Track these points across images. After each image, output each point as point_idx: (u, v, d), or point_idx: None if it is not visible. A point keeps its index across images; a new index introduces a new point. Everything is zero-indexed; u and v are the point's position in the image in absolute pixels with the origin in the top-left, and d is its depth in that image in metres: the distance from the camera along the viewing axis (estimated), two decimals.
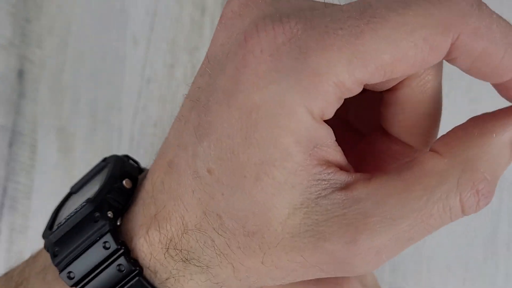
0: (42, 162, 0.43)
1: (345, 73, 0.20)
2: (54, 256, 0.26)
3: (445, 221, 0.22)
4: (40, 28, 0.44)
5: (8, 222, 0.43)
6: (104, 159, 0.29)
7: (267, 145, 0.21)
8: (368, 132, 0.27)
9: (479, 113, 0.41)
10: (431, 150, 0.22)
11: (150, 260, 0.25)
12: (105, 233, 0.25)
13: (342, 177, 0.22)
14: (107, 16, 0.44)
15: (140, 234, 0.25)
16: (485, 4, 0.21)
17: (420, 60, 0.20)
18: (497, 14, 0.21)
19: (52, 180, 0.43)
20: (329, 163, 0.21)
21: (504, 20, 0.21)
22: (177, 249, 0.24)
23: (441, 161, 0.21)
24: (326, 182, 0.21)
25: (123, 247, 0.25)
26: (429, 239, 0.41)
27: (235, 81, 0.21)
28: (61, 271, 0.25)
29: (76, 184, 0.30)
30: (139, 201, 0.26)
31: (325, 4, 0.22)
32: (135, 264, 0.25)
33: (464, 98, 0.42)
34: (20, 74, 0.44)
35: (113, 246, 0.25)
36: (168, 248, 0.24)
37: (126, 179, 0.27)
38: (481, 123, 0.22)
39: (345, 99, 0.21)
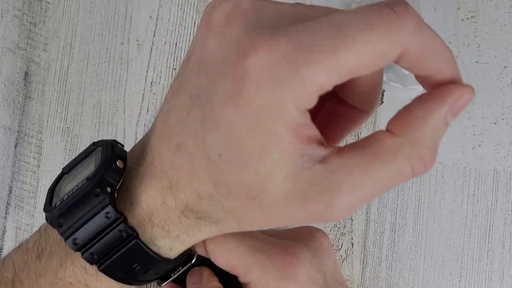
0: (47, 163, 0.43)
1: (325, 80, 0.26)
2: (59, 226, 0.30)
3: (399, 183, 0.28)
4: (46, 31, 0.44)
5: (14, 221, 0.44)
6: (94, 143, 0.33)
7: (267, 135, 0.27)
8: (328, 98, 0.33)
9: (474, 114, 0.41)
10: (387, 130, 0.28)
11: (165, 222, 0.30)
12: (107, 205, 0.29)
13: (320, 151, 0.27)
14: (112, 20, 0.44)
15: (157, 203, 0.29)
16: (425, 23, 0.27)
17: (377, 66, 0.26)
18: (431, 30, 0.27)
19: None
20: (309, 139, 0.27)
21: (434, 32, 0.27)
22: (192, 212, 0.29)
23: (395, 140, 0.27)
24: (307, 156, 0.27)
25: (122, 216, 0.29)
26: (426, 237, 0.41)
27: (238, 88, 0.26)
28: (66, 238, 0.29)
29: (67, 165, 0.34)
30: (149, 175, 0.30)
31: (306, 12, 0.28)
32: (133, 229, 0.30)
33: None
34: (26, 76, 0.44)
35: (114, 215, 0.29)
36: (183, 212, 0.29)
37: (119, 160, 0.31)
38: (423, 105, 0.28)
39: None
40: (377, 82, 0.30)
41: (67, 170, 0.34)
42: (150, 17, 0.44)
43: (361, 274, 0.41)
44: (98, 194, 0.29)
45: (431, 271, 0.41)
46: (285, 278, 0.33)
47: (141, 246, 0.30)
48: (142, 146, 0.32)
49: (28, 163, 0.44)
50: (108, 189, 0.30)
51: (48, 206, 0.31)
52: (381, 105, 0.42)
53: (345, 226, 0.41)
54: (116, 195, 0.30)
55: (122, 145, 0.33)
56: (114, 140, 0.33)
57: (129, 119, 0.44)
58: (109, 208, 0.29)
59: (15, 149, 0.44)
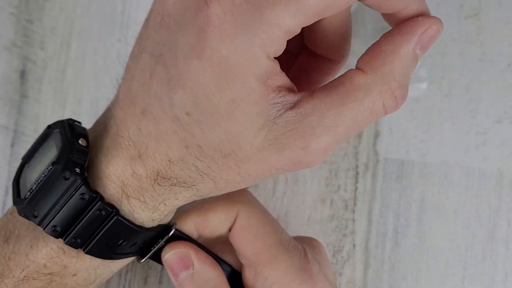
0: None
1: (292, 22, 0.25)
2: (34, 217, 0.29)
3: (372, 121, 0.28)
4: (43, 29, 0.44)
5: None
6: (49, 126, 0.32)
7: (236, 87, 0.26)
8: (298, 52, 0.33)
9: (478, 113, 0.42)
10: (357, 67, 0.28)
11: (139, 193, 0.29)
12: (80, 186, 0.28)
13: (291, 98, 0.27)
14: (109, 17, 0.44)
15: (127, 174, 0.29)
16: None
17: (344, 3, 0.26)
18: None
19: None
20: (279, 88, 0.27)
21: None
22: (165, 178, 0.29)
23: (365, 76, 0.27)
24: (279, 105, 0.27)
25: (98, 195, 0.29)
26: (429, 238, 0.41)
27: (202, 38, 0.25)
28: (45, 227, 0.29)
29: (26, 154, 0.33)
30: (115, 146, 0.29)
31: None
32: (111, 206, 0.29)
33: (463, 98, 0.42)
34: (23, 74, 0.44)
35: (89, 195, 0.28)
36: (156, 179, 0.29)
37: (81, 139, 0.30)
38: (391, 40, 0.28)
39: None
40: (345, 29, 0.30)
41: (27, 158, 0.33)
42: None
43: (363, 276, 0.41)
44: (68, 177, 0.28)
45: (434, 273, 0.41)
46: (305, 283, 0.33)
47: (123, 222, 0.29)
48: (105, 119, 0.31)
49: None
50: (77, 170, 0.29)
51: (17, 199, 0.30)
52: None
53: (346, 227, 0.41)
54: (97, 168, 0.30)
55: (80, 123, 0.32)
56: (71, 119, 0.32)
57: None
58: (83, 189, 0.28)
59: (12, 148, 0.44)
